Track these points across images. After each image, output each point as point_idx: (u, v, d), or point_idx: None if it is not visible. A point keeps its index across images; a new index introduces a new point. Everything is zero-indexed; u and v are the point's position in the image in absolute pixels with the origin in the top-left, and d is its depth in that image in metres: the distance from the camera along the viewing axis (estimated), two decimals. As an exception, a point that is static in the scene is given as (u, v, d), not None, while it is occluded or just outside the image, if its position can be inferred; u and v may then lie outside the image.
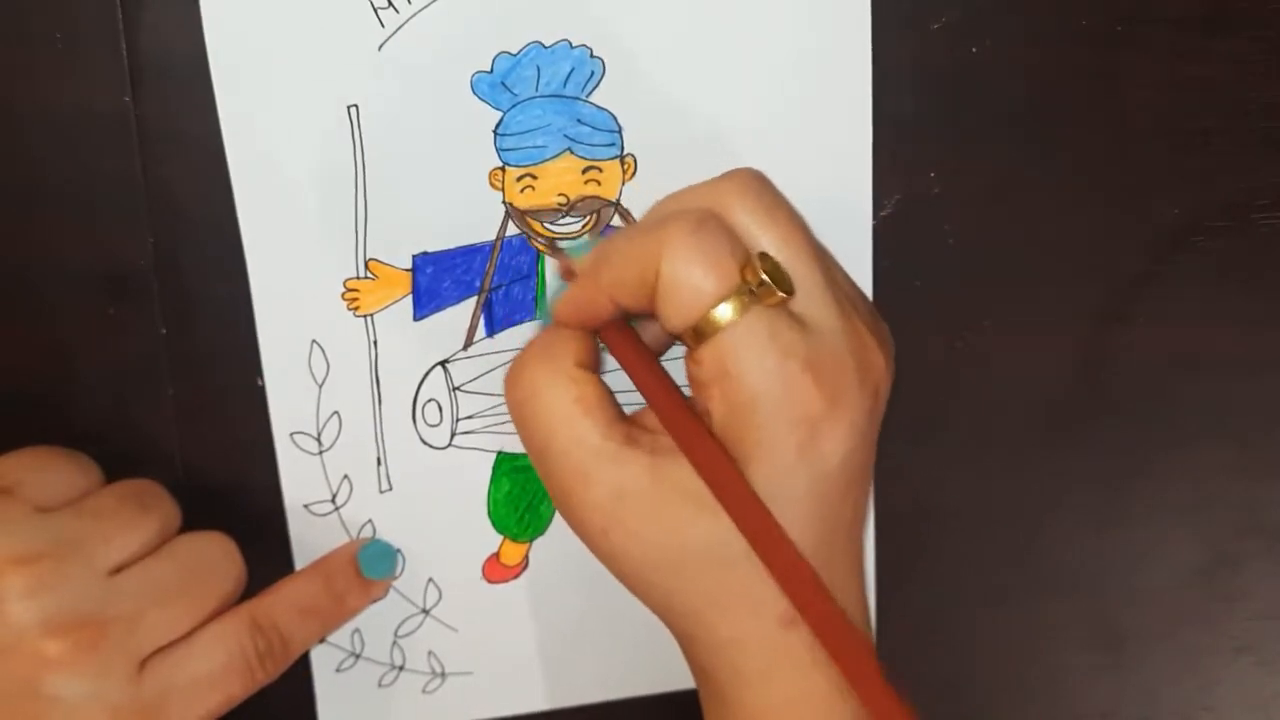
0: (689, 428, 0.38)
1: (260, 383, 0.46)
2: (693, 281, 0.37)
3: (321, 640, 0.48)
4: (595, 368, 0.41)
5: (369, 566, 0.47)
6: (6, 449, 0.44)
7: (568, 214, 0.44)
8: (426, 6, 0.42)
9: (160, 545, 0.43)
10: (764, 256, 0.38)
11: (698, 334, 0.38)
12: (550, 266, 0.46)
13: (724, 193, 0.39)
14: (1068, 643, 0.56)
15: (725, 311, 0.37)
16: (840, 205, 0.46)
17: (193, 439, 0.47)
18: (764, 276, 0.37)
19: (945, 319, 0.50)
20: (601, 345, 0.41)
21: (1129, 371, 0.51)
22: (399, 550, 0.48)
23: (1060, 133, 0.48)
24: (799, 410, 0.37)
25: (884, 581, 0.53)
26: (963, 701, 0.57)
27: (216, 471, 0.47)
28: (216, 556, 0.43)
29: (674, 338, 0.40)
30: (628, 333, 0.41)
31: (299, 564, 0.47)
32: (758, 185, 0.40)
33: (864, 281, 0.47)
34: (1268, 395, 0.53)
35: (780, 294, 0.37)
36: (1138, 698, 0.57)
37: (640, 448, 0.39)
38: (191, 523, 0.46)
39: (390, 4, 0.41)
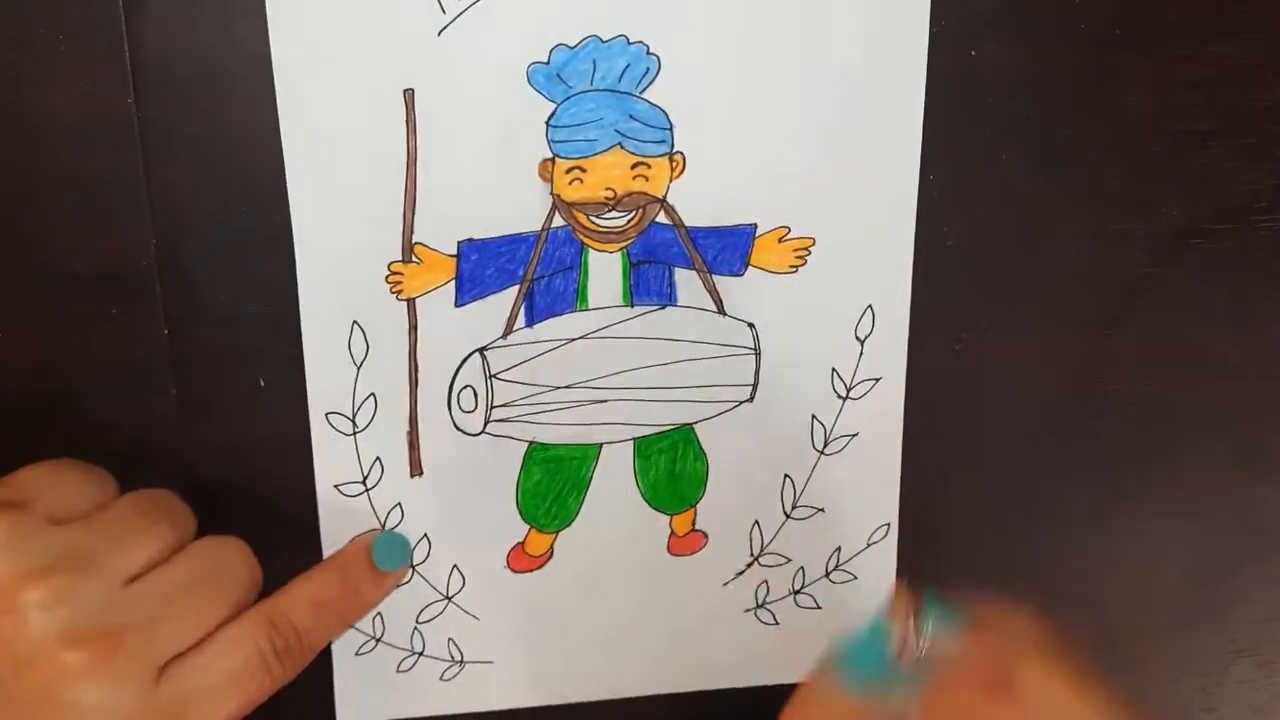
0: None
1: (262, 383, 0.55)
2: None
3: (340, 634, 0.58)
4: None
5: (382, 558, 0.57)
6: (10, 449, 0.52)
7: (614, 208, 0.55)
8: (488, -5, 0.51)
9: (175, 553, 0.51)
10: None
11: None
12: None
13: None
14: (1067, 644, 0.64)
15: None
16: (887, 212, 0.56)
17: (195, 439, 0.56)
18: None
19: (944, 321, 0.59)
20: None
21: (1128, 373, 0.61)
22: (411, 540, 0.58)
23: (1059, 135, 0.56)
24: None
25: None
26: None
27: (219, 471, 0.56)
28: (231, 561, 0.52)
29: None
30: None
31: (326, 544, 0.57)
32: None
33: (903, 279, 0.57)
34: (1267, 398, 0.63)
35: None
36: (1138, 700, 0.64)
37: None
38: (200, 522, 0.54)
39: (452, -10, 0.51)
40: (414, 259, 0.55)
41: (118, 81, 0.51)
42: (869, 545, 0.62)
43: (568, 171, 0.55)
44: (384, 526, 0.58)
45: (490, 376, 0.57)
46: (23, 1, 0.50)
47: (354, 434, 0.57)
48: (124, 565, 0.49)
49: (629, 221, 0.56)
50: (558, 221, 0.55)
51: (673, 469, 0.59)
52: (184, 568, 0.51)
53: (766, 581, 0.62)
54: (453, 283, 0.55)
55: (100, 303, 0.54)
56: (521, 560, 0.60)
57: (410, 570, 0.59)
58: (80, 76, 0.51)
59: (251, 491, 0.57)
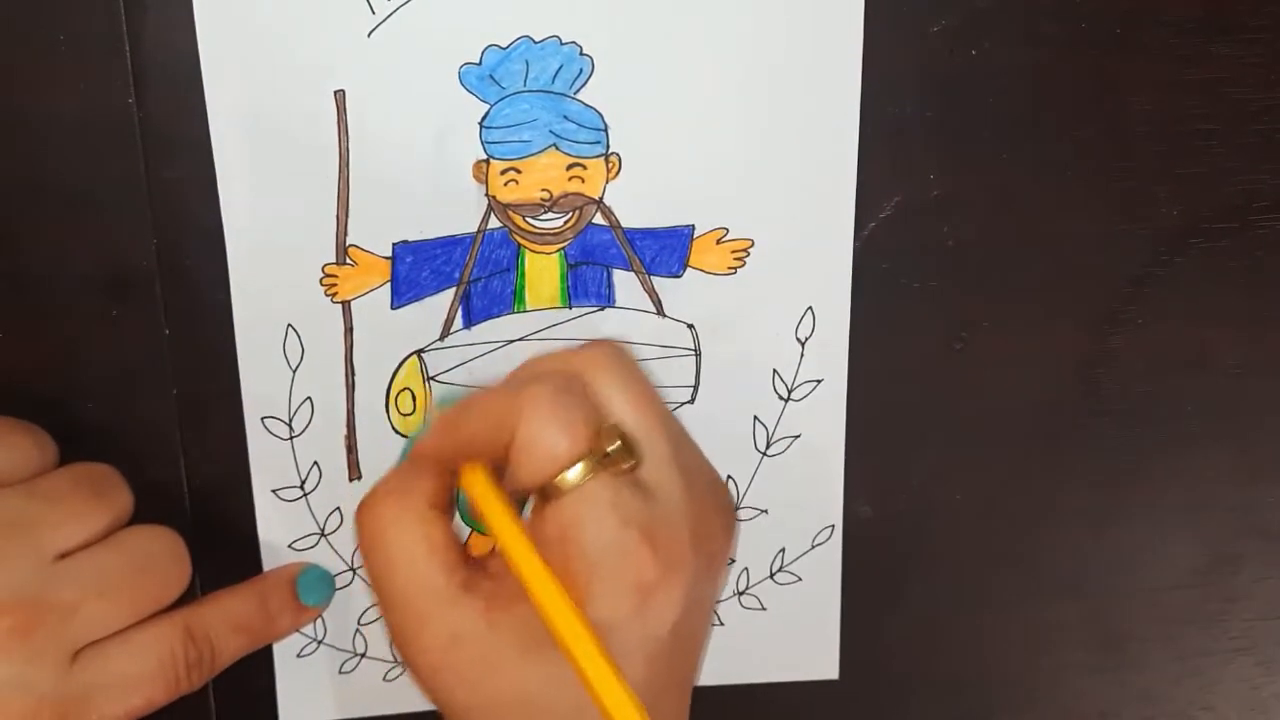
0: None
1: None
2: (546, 442, 0.48)
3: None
4: (447, 509, 0.52)
5: (307, 591, 0.58)
6: None
7: (550, 209, 0.55)
8: (418, -4, 0.52)
9: (109, 534, 0.51)
10: (616, 426, 0.49)
11: (545, 494, 0.48)
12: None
13: (586, 361, 0.51)
14: (1067, 644, 0.66)
15: (573, 475, 0.48)
16: (825, 213, 0.56)
17: (195, 440, 0.57)
18: (613, 446, 0.48)
19: (944, 320, 0.59)
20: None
21: (1128, 373, 0.61)
22: (335, 579, 0.59)
23: (1060, 135, 0.57)
24: (633, 576, 0.48)
25: (883, 582, 0.64)
26: (962, 702, 0.67)
27: (219, 472, 0.57)
28: (164, 555, 0.52)
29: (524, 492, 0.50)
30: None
31: (264, 549, 0.58)
32: (618, 357, 0.52)
33: (842, 280, 0.57)
34: (1267, 397, 0.63)
35: (627, 463, 0.49)
36: (1137, 698, 0.68)
37: (478, 594, 0.49)
38: (196, 523, 0.56)
39: (382, -9, 0.52)
40: (348, 261, 0.55)
41: (118, 81, 0.52)
42: (814, 546, 0.62)
43: (503, 173, 0.55)
44: (324, 532, 0.59)
45: (428, 379, 0.57)
46: (23, 1, 0.51)
47: (290, 438, 0.57)
48: (56, 540, 0.50)
49: (566, 223, 0.56)
50: (494, 223, 0.56)
51: (615, 471, 0.59)
52: (117, 553, 0.51)
53: (711, 583, 0.62)
54: (388, 285, 0.56)
55: (101, 303, 0.55)
56: (463, 563, 0.60)
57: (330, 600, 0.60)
58: (80, 76, 0.52)
59: (250, 491, 0.58)
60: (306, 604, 0.58)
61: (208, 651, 0.53)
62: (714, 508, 0.52)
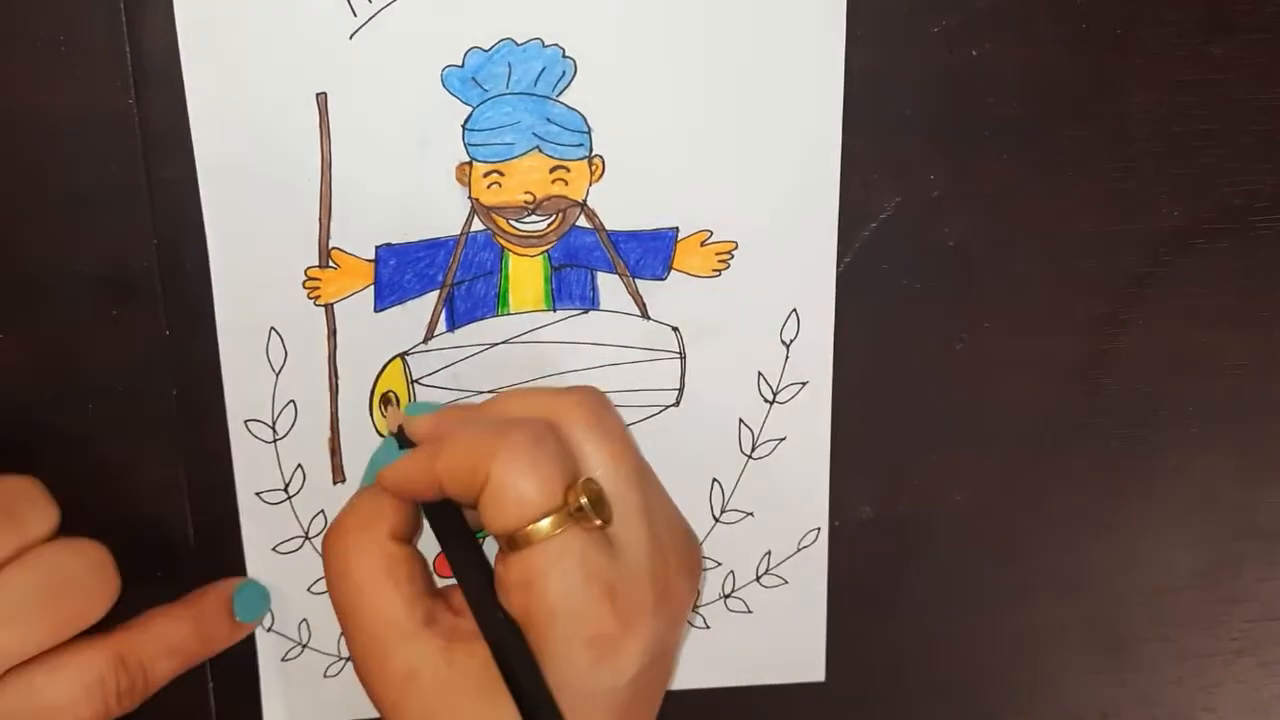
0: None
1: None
2: (519, 492, 0.48)
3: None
4: (412, 538, 0.52)
5: (243, 609, 0.57)
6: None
7: (533, 212, 0.55)
8: (399, -2, 0.51)
9: (25, 552, 0.49)
10: (589, 482, 0.49)
11: (512, 541, 0.48)
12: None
13: (567, 407, 0.51)
14: (1067, 645, 0.66)
15: (542, 527, 0.48)
16: (809, 215, 0.56)
17: (196, 440, 0.57)
18: (585, 503, 0.48)
19: (945, 321, 0.59)
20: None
21: (1128, 373, 0.61)
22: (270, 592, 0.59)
23: (1060, 135, 0.57)
24: (593, 630, 0.48)
25: (883, 582, 0.63)
26: (963, 703, 0.67)
27: (220, 472, 0.57)
28: (83, 572, 0.49)
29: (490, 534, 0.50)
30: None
31: (248, 552, 0.58)
32: (598, 405, 0.51)
33: (827, 282, 0.57)
34: (1267, 397, 0.62)
35: (596, 521, 0.48)
36: (1137, 700, 0.68)
37: (439, 630, 0.50)
38: (199, 523, 0.56)
39: (363, -7, 0.51)
40: (331, 264, 0.55)
41: (118, 81, 0.52)
42: (799, 549, 0.62)
43: (486, 175, 0.55)
44: (308, 534, 0.59)
45: (412, 382, 0.57)
46: (22, 1, 0.51)
47: (274, 441, 0.57)
48: None
49: (549, 225, 0.56)
50: (477, 226, 0.55)
51: (599, 474, 0.59)
52: (30, 574, 0.49)
53: (696, 587, 0.62)
54: (371, 288, 0.56)
55: (101, 304, 0.55)
56: (447, 566, 0.59)
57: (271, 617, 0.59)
58: (80, 76, 0.52)
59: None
60: (242, 621, 0.57)
61: (140, 678, 0.52)
62: (680, 564, 0.52)
